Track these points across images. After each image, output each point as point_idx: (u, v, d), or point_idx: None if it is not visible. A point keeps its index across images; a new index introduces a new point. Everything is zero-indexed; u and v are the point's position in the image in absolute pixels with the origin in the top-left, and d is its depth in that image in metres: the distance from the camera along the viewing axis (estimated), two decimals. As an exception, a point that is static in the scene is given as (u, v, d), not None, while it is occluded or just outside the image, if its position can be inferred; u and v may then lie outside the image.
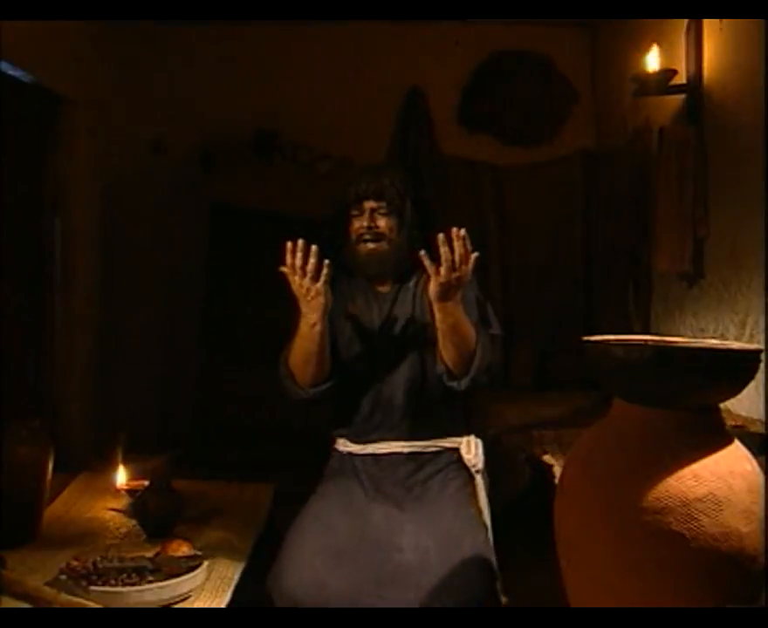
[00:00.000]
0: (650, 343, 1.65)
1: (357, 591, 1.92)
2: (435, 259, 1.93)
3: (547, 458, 2.77)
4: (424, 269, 1.97)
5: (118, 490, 2.57)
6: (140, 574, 1.84)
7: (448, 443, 2.22)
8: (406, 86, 4.34)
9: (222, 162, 4.18)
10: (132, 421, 3.58)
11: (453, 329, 2.02)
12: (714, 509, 1.42)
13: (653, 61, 3.21)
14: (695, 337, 3.02)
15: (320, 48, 4.29)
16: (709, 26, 3.07)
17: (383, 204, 2.19)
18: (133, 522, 2.29)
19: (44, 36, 3.08)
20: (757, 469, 1.53)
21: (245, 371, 3.83)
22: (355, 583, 1.93)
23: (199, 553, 1.98)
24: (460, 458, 2.21)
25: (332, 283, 2.06)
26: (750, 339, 2.77)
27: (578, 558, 1.56)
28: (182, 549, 1.97)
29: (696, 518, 1.41)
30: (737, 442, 1.56)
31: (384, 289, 2.26)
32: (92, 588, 1.76)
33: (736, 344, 1.78)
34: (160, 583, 1.80)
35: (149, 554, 1.96)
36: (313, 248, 1.99)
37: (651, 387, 1.51)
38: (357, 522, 2.07)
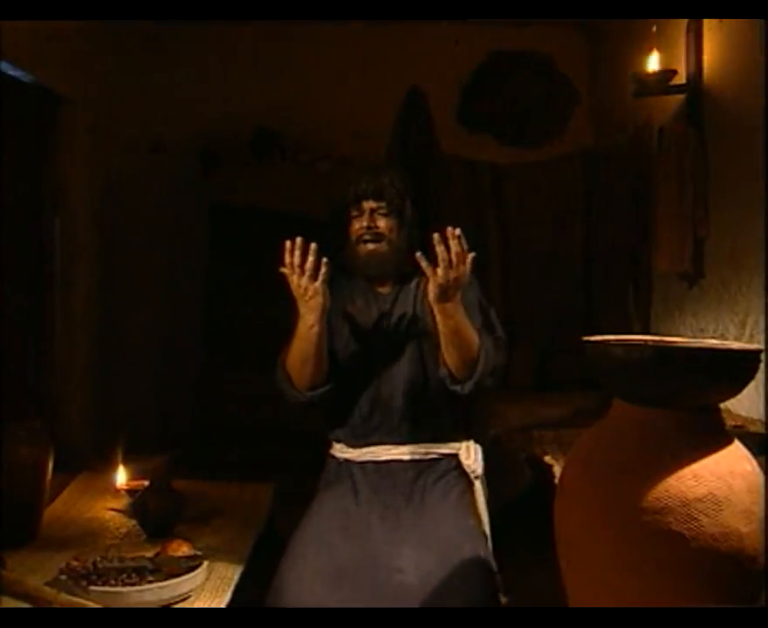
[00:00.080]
0: (650, 343, 1.65)
1: None
2: (433, 261, 1.92)
3: (547, 458, 2.77)
4: (422, 271, 1.96)
5: (118, 490, 2.57)
6: (140, 574, 1.84)
7: (447, 449, 2.18)
8: (406, 86, 4.34)
9: (222, 162, 4.18)
10: (132, 421, 3.59)
11: (454, 331, 1.99)
12: (714, 509, 1.42)
13: (652, 61, 3.21)
14: (695, 337, 3.02)
15: (320, 48, 4.29)
16: (709, 26, 3.07)
17: (383, 204, 2.17)
18: (133, 522, 2.29)
19: (44, 36, 3.08)
20: (757, 469, 1.53)
21: (245, 371, 3.82)
22: (356, 606, 1.89)
23: (199, 553, 1.97)
24: (459, 464, 2.17)
25: (331, 283, 2.04)
26: (750, 339, 2.77)
27: (578, 558, 1.56)
28: (182, 549, 1.97)
29: (695, 518, 1.41)
30: (737, 442, 1.56)
31: (384, 290, 2.24)
32: (92, 588, 1.76)
33: (736, 344, 1.78)
34: (160, 583, 1.79)
35: (149, 554, 1.96)
36: (312, 246, 1.97)
37: (651, 387, 1.51)
38: (356, 541, 2.02)
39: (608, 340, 1.61)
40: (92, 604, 1.69)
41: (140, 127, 4.17)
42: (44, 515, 2.29)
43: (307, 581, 1.92)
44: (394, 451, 2.15)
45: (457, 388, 2.07)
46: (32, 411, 2.74)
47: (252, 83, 4.28)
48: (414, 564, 1.95)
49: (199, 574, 1.88)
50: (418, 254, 1.93)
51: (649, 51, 3.23)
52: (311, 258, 1.97)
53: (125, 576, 1.82)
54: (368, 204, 2.17)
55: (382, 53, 4.35)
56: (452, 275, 1.91)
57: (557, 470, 2.58)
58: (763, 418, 2.56)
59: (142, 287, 4.21)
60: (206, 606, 1.82)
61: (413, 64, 4.34)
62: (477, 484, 2.18)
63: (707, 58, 3.11)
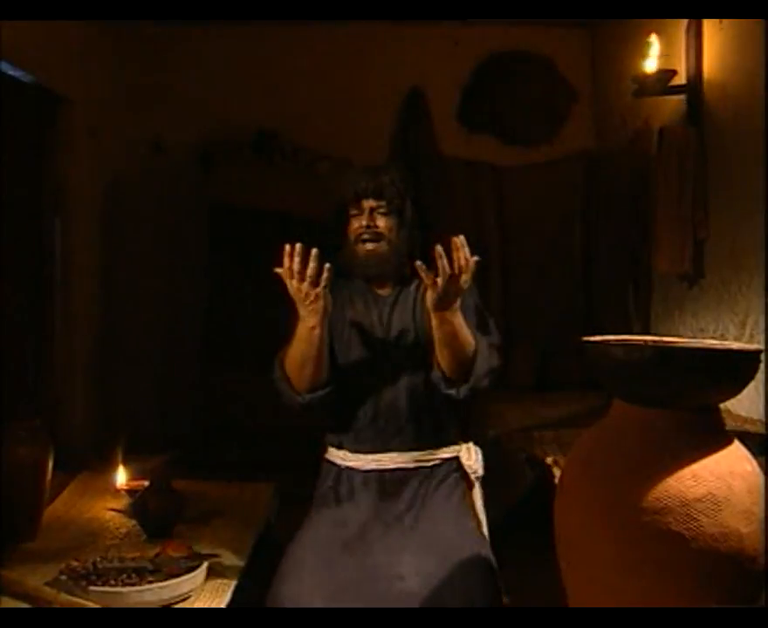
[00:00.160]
0: (650, 343, 1.65)
1: None
2: (432, 266, 1.88)
3: (548, 459, 2.77)
4: (418, 275, 1.93)
5: (118, 490, 2.57)
6: (140, 574, 1.84)
7: (449, 453, 2.15)
8: (406, 86, 4.35)
9: (222, 162, 4.18)
10: (132, 421, 3.59)
11: (451, 336, 1.96)
12: (713, 510, 1.42)
13: (652, 61, 3.21)
14: (695, 338, 3.02)
15: (321, 48, 4.29)
16: (709, 26, 3.08)
17: (383, 203, 2.11)
18: (133, 522, 2.29)
19: (44, 36, 3.08)
20: (757, 470, 1.53)
21: (245, 371, 3.82)
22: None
23: (199, 553, 1.97)
24: (459, 466, 2.14)
25: (330, 285, 1.99)
26: (750, 339, 2.77)
27: (578, 558, 1.56)
28: (182, 550, 1.97)
29: (695, 518, 1.41)
30: (736, 442, 1.56)
31: (384, 292, 2.19)
32: (92, 588, 1.75)
33: (735, 345, 1.78)
34: (160, 584, 1.79)
35: (149, 554, 1.96)
36: (313, 251, 1.92)
37: (651, 387, 1.51)
38: (356, 553, 1.98)
39: (608, 340, 1.61)
40: (91, 605, 1.69)
41: (140, 127, 4.16)
42: (44, 515, 2.29)
43: (306, 597, 1.88)
44: (398, 459, 2.10)
45: (452, 392, 2.03)
46: (32, 411, 2.73)
47: (252, 83, 4.28)
48: (414, 570, 1.93)
49: (199, 574, 1.88)
50: (418, 263, 1.89)
51: (648, 51, 3.23)
52: (312, 264, 1.92)
53: (125, 576, 1.82)
54: (368, 203, 2.12)
55: (382, 54, 4.35)
56: (452, 287, 1.88)
57: (557, 470, 2.58)
58: (763, 418, 2.56)
59: (142, 287, 4.21)
60: (206, 606, 1.82)
61: (413, 64, 4.34)
62: (477, 485, 2.16)
63: (707, 58, 3.11)
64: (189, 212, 4.23)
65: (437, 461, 2.13)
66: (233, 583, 1.94)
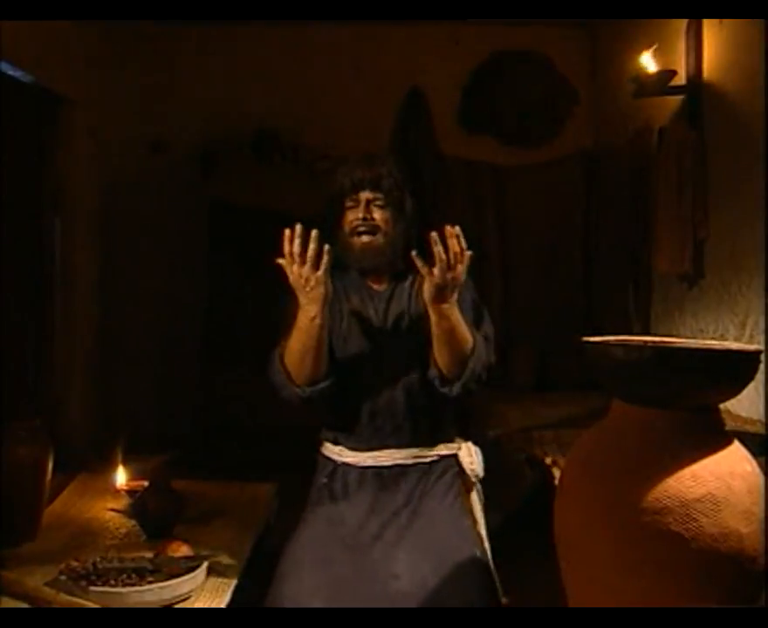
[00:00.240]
0: (650, 343, 1.65)
1: None
2: (428, 259, 1.86)
3: (547, 459, 2.77)
4: (417, 270, 1.90)
5: (118, 490, 2.57)
6: (140, 574, 1.84)
7: (447, 450, 2.13)
8: (406, 86, 4.35)
9: (222, 162, 4.18)
10: (132, 421, 3.59)
11: (449, 332, 1.94)
12: (713, 510, 1.42)
13: (652, 62, 3.21)
14: (694, 338, 3.02)
15: (320, 48, 4.30)
16: (709, 26, 3.08)
17: (380, 195, 2.07)
18: (133, 522, 2.29)
19: (44, 36, 3.09)
20: (757, 470, 1.53)
21: (245, 371, 3.82)
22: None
23: (199, 553, 1.97)
24: (457, 464, 2.13)
25: (330, 270, 1.95)
26: (750, 340, 2.77)
27: (578, 558, 1.56)
28: (182, 550, 1.97)
29: (695, 519, 1.41)
30: (736, 443, 1.56)
31: (380, 286, 2.15)
32: (92, 588, 1.76)
33: (735, 345, 1.78)
34: (160, 584, 1.79)
35: (149, 554, 1.96)
36: (313, 233, 1.89)
37: (651, 388, 1.51)
38: (353, 551, 1.97)
39: (608, 341, 1.61)
40: (91, 605, 1.69)
41: (140, 127, 4.17)
42: (44, 515, 2.29)
43: (305, 597, 1.87)
44: (397, 455, 2.08)
45: (446, 390, 2.01)
46: (32, 411, 2.74)
47: (252, 83, 4.28)
48: (410, 569, 1.92)
49: (199, 574, 1.88)
50: (414, 252, 1.87)
51: (649, 50, 3.23)
52: (312, 246, 1.89)
53: (125, 576, 1.82)
54: (365, 194, 2.08)
55: (382, 53, 4.35)
56: (449, 275, 1.86)
57: (556, 471, 2.58)
58: (763, 418, 2.56)
59: (142, 287, 4.21)
60: (206, 606, 1.82)
61: (413, 64, 4.34)
62: (477, 487, 2.14)
63: (707, 58, 3.11)
64: (189, 212, 4.24)
65: (435, 458, 2.11)
66: (233, 583, 1.94)
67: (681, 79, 3.21)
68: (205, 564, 1.92)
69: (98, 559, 1.91)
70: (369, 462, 2.09)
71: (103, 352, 3.99)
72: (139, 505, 2.26)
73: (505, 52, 4.39)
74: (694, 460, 1.46)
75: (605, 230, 4.16)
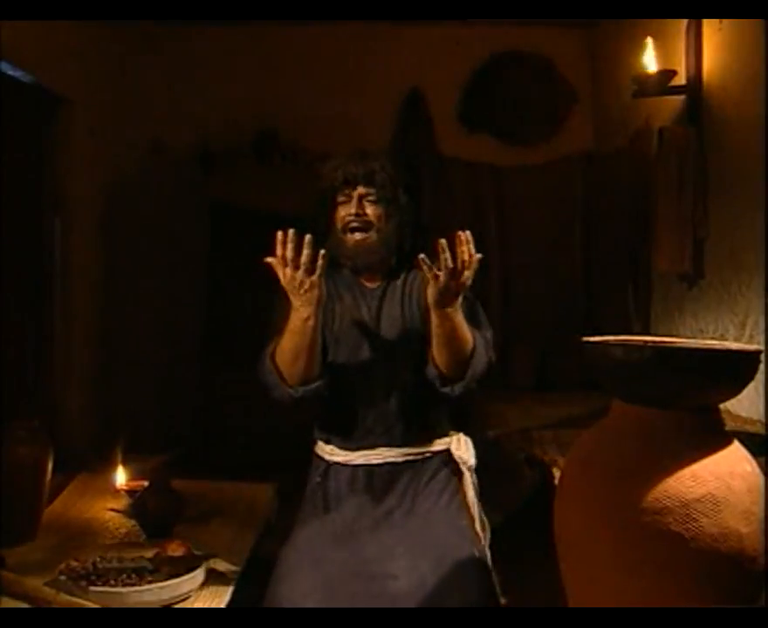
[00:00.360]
0: (650, 343, 1.65)
1: None
2: (435, 261, 1.84)
3: (547, 459, 2.77)
4: (420, 268, 1.88)
5: (117, 490, 2.57)
6: (140, 574, 1.84)
7: (439, 446, 2.11)
8: (406, 86, 4.35)
9: (222, 162, 4.18)
10: (132, 421, 3.59)
11: (450, 334, 1.92)
12: (713, 510, 1.42)
13: (652, 62, 3.21)
14: (694, 338, 3.02)
15: (321, 48, 4.30)
16: (709, 26, 3.07)
17: (372, 191, 2.03)
18: (133, 522, 2.29)
19: (44, 36, 3.09)
20: (757, 470, 1.53)
21: (245, 371, 3.81)
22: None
23: (198, 553, 1.97)
24: (450, 459, 2.11)
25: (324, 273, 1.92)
26: (750, 340, 2.77)
27: (577, 558, 1.56)
28: (182, 550, 1.97)
29: (695, 519, 1.41)
30: (736, 443, 1.56)
31: (372, 284, 2.12)
32: (92, 588, 1.76)
33: (735, 345, 1.78)
34: (159, 584, 1.79)
35: (149, 554, 1.96)
36: (307, 238, 1.85)
37: (651, 388, 1.51)
38: (348, 550, 1.96)
39: (608, 341, 1.61)
40: (91, 605, 1.69)
41: (140, 127, 4.17)
42: (44, 515, 2.29)
43: (300, 598, 1.86)
44: (387, 454, 2.07)
45: (447, 390, 1.99)
46: (32, 411, 2.74)
47: (252, 83, 4.28)
48: (407, 569, 1.92)
49: (199, 574, 1.88)
50: (421, 256, 1.84)
51: (646, 52, 3.23)
52: (306, 251, 1.85)
53: (124, 576, 1.82)
54: (357, 190, 2.04)
55: (382, 54, 4.35)
56: (454, 282, 1.84)
57: (556, 471, 2.58)
58: (763, 418, 2.56)
59: (142, 287, 4.21)
60: (206, 606, 1.82)
61: (413, 64, 4.34)
62: (468, 477, 2.11)
63: (706, 58, 3.10)
64: (189, 212, 4.24)
65: (428, 455, 2.10)
66: (232, 584, 1.93)
67: (681, 79, 3.20)
68: (205, 564, 1.92)
69: (98, 559, 1.91)
70: (360, 461, 2.08)
71: (103, 352, 4.00)
72: (139, 505, 2.26)
73: (505, 53, 4.39)
74: (694, 460, 1.46)
75: (605, 230, 4.16)
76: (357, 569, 1.94)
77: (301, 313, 1.91)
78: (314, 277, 1.88)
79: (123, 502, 2.46)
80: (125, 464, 2.64)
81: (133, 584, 1.79)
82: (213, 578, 1.93)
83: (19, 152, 3.28)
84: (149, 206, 4.21)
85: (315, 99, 4.26)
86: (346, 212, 2.05)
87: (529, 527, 2.52)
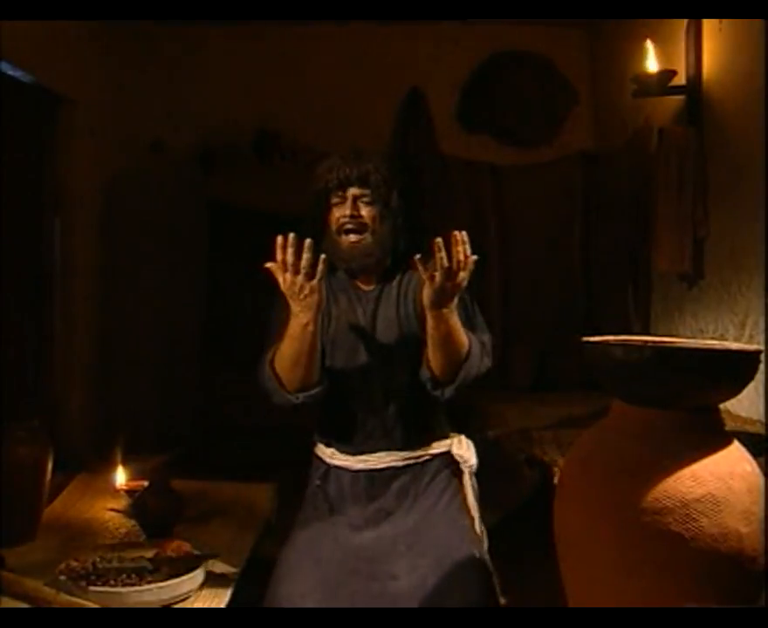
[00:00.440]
0: (650, 343, 1.65)
1: None
2: (430, 260, 1.82)
3: (546, 459, 2.77)
4: (415, 269, 1.86)
5: (117, 490, 2.57)
6: (140, 574, 1.84)
7: (439, 448, 2.11)
8: (406, 86, 4.35)
9: (222, 162, 4.18)
10: (132, 421, 3.59)
11: (445, 336, 1.89)
12: (713, 510, 1.42)
13: (652, 62, 3.21)
14: (694, 338, 3.02)
15: (320, 48, 4.29)
16: (709, 26, 3.08)
17: (367, 192, 2.01)
18: (133, 522, 2.29)
19: (44, 36, 3.09)
20: (757, 470, 1.53)
21: (245, 371, 3.82)
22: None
23: (198, 553, 1.97)
24: (450, 460, 2.10)
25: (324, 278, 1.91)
26: (750, 340, 2.77)
27: (577, 558, 1.56)
28: (182, 550, 1.97)
29: (695, 519, 1.41)
30: (736, 443, 1.56)
31: (368, 287, 2.10)
32: (92, 588, 1.75)
33: (735, 345, 1.78)
34: (159, 584, 1.79)
35: (149, 554, 1.96)
36: (307, 242, 1.83)
37: (651, 388, 1.51)
38: (348, 552, 1.96)
39: (608, 341, 1.61)
40: (91, 605, 1.69)
41: (140, 127, 4.17)
42: (44, 515, 2.29)
43: (299, 599, 1.86)
44: (388, 458, 2.06)
45: (437, 393, 1.98)
46: (32, 411, 2.74)
47: (252, 83, 4.28)
48: (407, 569, 1.92)
49: (199, 574, 1.88)
50: (417, 256, 1.82)
51: (646, 53, 3.23)
52: (306, 256, 1.83)
53: (124, 576, 1.82)
54: (352, 191, 2.01)
55: (382, 53, 4.35)
56: (450, 282, 1.81)
57: (556, 471, 2.58)
58: (763, 418, 2.56)
59: (142, 287, 4.21)
60: (206, 606, 1.81)
61: (413, 64, 4.34)
62: (469, 478, 2.11)
63: (706, 58, 3.11)
64: (189, 212, 4.23)
65: (428, 457, 2.09)
66: (232, 584, 1.93)
67: (681, 79, 3.21)
68: (204, 564, 1.92)
69: (97, 559, 1.91)
70: (360, 466, 2.07)
71: (103, 352, 3.99)
72: (139, 505, 2.26)
73: (505, 52, 4.39)
74: (694, 460, 1.46)
75: (604, 230, 4.16)
76: (357, 569, 1.94)
77: (300, 319, 1.90)
78: (314, 282, 1.86)
79: (123, 502, 2.46)
80: (125, 464, 2.64)
81: (133, 584, 1.79)
82: (213, 578, 1.93)
83: (19, 152, 3.27)
84: (149, 206, 4.20)
85: (315, 99, 4.26)
86: (340, 213, 2.03)
87: (529, 527, 2.52)
